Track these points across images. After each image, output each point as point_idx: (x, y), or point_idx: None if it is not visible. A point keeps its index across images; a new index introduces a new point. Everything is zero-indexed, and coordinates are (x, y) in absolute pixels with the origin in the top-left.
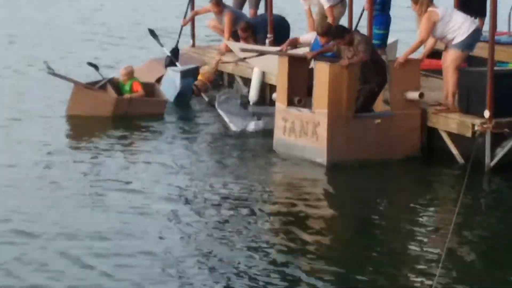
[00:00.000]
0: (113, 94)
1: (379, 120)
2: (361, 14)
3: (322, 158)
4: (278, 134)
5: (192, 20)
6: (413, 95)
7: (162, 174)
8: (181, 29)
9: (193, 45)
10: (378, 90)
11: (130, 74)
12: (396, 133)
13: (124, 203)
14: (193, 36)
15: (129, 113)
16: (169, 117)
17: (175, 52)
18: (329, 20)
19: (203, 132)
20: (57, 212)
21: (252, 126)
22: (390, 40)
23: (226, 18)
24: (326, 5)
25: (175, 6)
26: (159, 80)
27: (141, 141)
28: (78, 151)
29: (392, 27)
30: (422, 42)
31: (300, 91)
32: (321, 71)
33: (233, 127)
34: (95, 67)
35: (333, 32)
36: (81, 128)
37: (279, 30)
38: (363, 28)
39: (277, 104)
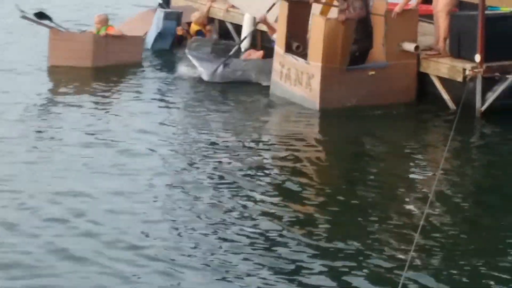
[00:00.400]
0: (89, 33)
1: (373, 72)
2: None
3: (315, 109)
4: (275, 77)
5: None
6: (409, 46)
7: (146, 128)
8: None
9: None
10: (359, 55)
11: (103, 22)
12: (391, 83)
13: (107, 161)
14: None
15: (108, 53)
16: (149, 66)
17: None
18: None
19: (185, 81)
20: (39, 173)
21: (220, 70)
22: None
23: None
24: None
25: None
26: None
27: (121, 93)
28: (57, 106)
29: None
30: None
31: (300, 36)
32: (317, 25)
33: (203, 73)
34: (47, 18)
35: None
36: (61, 81)
37: None
38: None
39: (276, 47)
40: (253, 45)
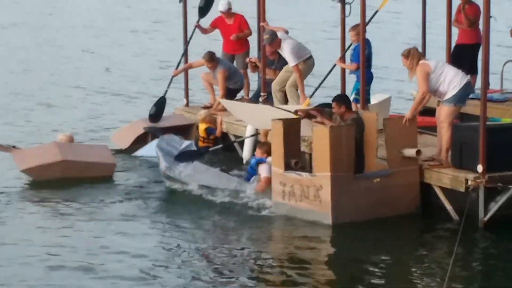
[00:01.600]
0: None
1: (378, 179)
2: (331, 69)
3: (328, 221)
4: (276, 198)
5: (186, 76)
6: (411, 152)
7: (134, 245)
8: (171, 79)
9: (187, 105)
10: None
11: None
12: (395, 190)
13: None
14: (186, 95)
15: (76, 152)
16: (131, 174)
17: (160, 104)
18: (297, 76)
19: (166, 191)
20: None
21: (180, 170)
22: (383, 97)
23: (219, 76)
24: (291, 63)
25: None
26: (140, 137)
27: (102, 207)
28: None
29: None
30: (424, 94)
31: (295, 152)
32: (320, 135)
33: (163, 165)
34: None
35: (337, 98)
36: (32, 193)
37: None
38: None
39: (273, 168)
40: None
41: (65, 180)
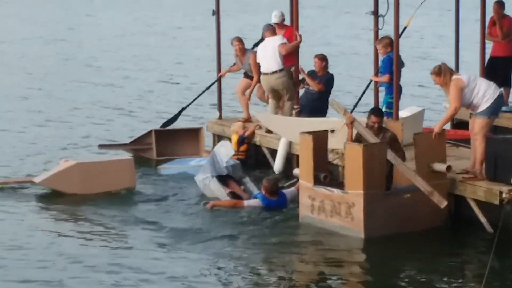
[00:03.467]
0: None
1: (408, 195)
2: (368, 85)
3: (359, 238)
4: (304, 212)
5: (219, 88)
6: (441, 167)
7: (162, 263)
8: (214, 81)
9: (220, 117)
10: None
11: None
12: (425, 204)
13: None
14: (219, 107)
15: (90, 162)
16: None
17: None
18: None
19: (188, 203)
20: None
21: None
22: (416, 109)
23: (251, 60)
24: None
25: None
26: (144, 138)
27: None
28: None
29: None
30: (456, 110)
31: (323, 166)
32: (354, 153)
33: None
34: None
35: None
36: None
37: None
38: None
39: (301, 182)
40: (287, 170)
41: (84, 196)
